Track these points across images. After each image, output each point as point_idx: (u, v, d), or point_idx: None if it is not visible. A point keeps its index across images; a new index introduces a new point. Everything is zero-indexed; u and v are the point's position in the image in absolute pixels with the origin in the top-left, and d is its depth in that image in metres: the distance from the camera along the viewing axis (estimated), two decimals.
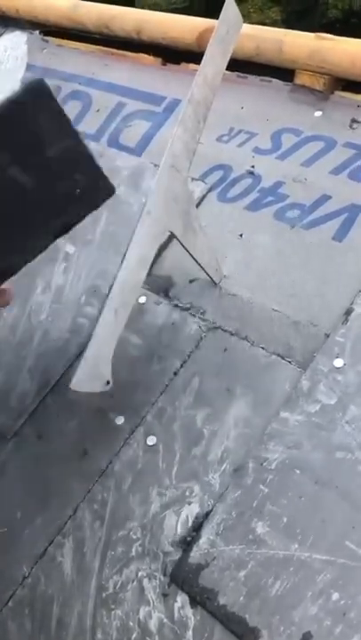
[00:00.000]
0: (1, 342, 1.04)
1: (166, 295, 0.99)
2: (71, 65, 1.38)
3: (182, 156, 0.84)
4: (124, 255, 0.81)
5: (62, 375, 0.97)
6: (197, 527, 0.77)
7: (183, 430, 0.85)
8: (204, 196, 1.05)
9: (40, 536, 0.85)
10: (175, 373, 0.90)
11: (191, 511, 0.79)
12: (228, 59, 0.88)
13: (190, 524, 0.78)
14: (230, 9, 0.87)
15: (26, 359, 1.01)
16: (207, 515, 0.78)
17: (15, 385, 0.99)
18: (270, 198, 1.01)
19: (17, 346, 1.03)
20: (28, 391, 0.97)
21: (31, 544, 0.84)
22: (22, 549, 0.85)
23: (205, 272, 0.95)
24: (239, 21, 0.88)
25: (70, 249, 1.10)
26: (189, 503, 0.80)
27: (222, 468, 0.81)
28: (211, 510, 0.78)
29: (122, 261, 1.04)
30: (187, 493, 0.80)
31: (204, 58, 0.84)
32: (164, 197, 0.83)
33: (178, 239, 0.88)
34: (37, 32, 1.51)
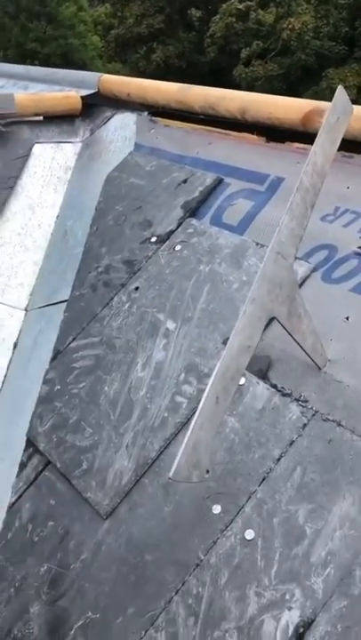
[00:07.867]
0: (102, 417, 1.05)
1: (266, 377, 0.97)
2: (177, 144, 1.43)
3: (289, 243, 0.83)
4: (228, 341, 0.80)
5: (159, 455, 0.96)
6: (298, 638, 0.72)
7: (284, 526, 0.80)
8: (307, 277, 1.04)
9: (132, 627, 0.82)
10: (276, 463, 0.87)
11: (292, 618, 0.74)
12: (337, 146, 0.88)
13: (290, 632, 0.73)
14: (341, 97, 0.88)
15: (124, 436, 1.01)
16: (310, 624, 0.72)
17: (113, 462, 0.99)
18: None
19: (116, 421, 1.04)
20: (125, 469, 0.97)
21: (123, 635, 0.82)
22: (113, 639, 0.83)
23: (309, 356, 0.92)
24: (349, 108, 0.88)
25: (171, 325, 1.11)
26: (290, 608, 0.75)
27: (326, 572, 0.75)
28: (313, 620, 0.72)
29: (224, 344, 1.04)
30: (287, 597, 0.76)
31: (314, 146, 0.84)
32: (269, 284, 0.82)
33: (282, 324, 0.86)
34: (146, 113, 1.60)
